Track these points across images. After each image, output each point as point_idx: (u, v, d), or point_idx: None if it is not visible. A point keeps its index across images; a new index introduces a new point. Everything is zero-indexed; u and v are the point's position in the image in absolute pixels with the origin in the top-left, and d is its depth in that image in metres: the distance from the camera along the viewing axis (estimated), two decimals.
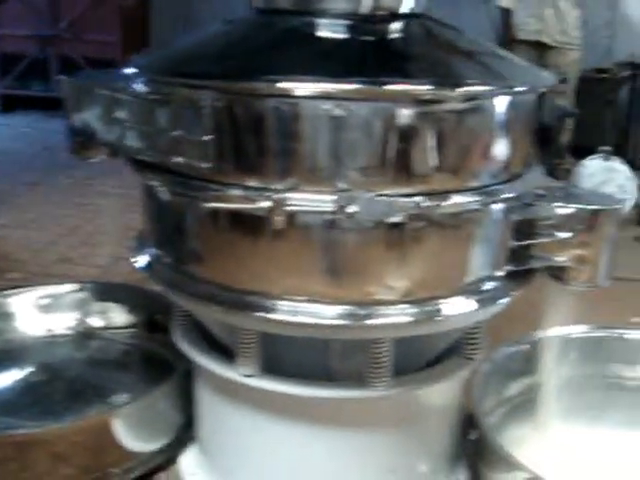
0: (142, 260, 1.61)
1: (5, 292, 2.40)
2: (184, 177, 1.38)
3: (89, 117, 1.60)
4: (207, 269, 1.45)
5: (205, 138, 1.31)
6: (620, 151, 4.70)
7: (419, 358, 1.60)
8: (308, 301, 1.38)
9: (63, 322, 2.40)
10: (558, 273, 1.53)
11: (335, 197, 1.27)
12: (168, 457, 1.84)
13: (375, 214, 1.28)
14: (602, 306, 2.69)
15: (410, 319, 1.40)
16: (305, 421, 1.56)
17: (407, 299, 1.40)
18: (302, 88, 1.25)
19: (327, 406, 1.53)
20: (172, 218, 1.47)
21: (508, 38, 4.55)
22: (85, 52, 6.70)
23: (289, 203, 1.26)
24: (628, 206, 3.94)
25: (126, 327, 2.40)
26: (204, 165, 1.33)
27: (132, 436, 1.76)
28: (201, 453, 1.80)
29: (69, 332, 2.39)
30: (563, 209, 1.48)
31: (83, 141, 1.67)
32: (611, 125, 4.78)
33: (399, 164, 1.31)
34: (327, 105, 1.26)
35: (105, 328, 2.41)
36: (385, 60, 1.37)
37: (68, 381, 2.13)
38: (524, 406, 1.92)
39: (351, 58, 1.35)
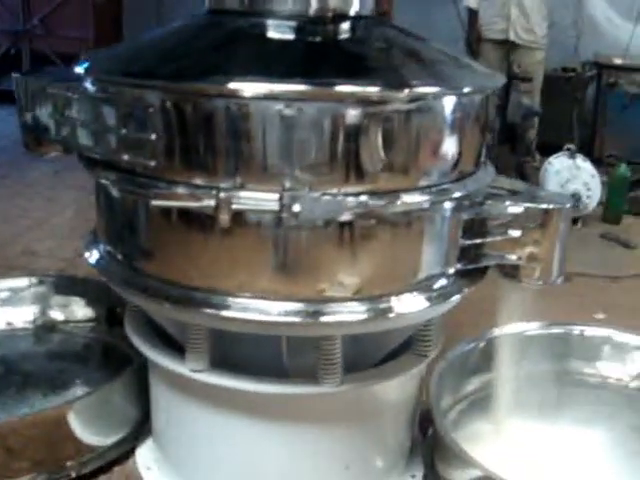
0: (93, 256, 1.59)
1: None
2: (132, 174, 1.37)
3: (41, 114, 1.58)
4: (156, 266, 1.43)
5: (151, 137, 1.30)
6: (587, 149, 4.73)
7: (372, 355, 1.59)
8: (258, 298, 1.38)
9: (23, 316, 2.37)
10: (511, 271, 1.54)
11: (278, 196, 1.26)
12: (124, 451, 1.82)
13: (319, 213, 1.28)
14: (566, 303, 2.71)
15: (361, 316, 1.40)
16: (257, 417, 1.55)
17: (358, 296, 1.40)
18: (249, 88, 1.25)
19: (279, 402, 1.53)
20: (122, 215, 1.46)
21: (475, 37, 4.57)
22: (58, 48, 6.62)
23: (235, 201, 1.25)
24: (593, 203, 3.97)
25: (86, 320, 2.38)
26: (151, 163, 1.32)
27: (88, 429, 1.74)
28: (156, 447, 1.79)
29: (29, 326, 2.37)
30: (514, 207, 1.48)
31: (36, 138, 1.65)
32: (577, 123, 4.80)
33: (346, 163, 1.31)
34: (274, 105, 1.25)
35: (65, 322, 2.39)
36: (333, 61, 1.37)
37: (25, 374, 2.11)
38: (481, 403, 1.92)
39: (299, 59, 1.35)
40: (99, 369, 2.13)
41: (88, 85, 1.42)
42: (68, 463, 1.73)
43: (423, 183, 1.39)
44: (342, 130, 1.28)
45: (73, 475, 1.73)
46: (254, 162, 1.28)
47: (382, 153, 1.32)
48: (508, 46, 4.49)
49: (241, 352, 1.53)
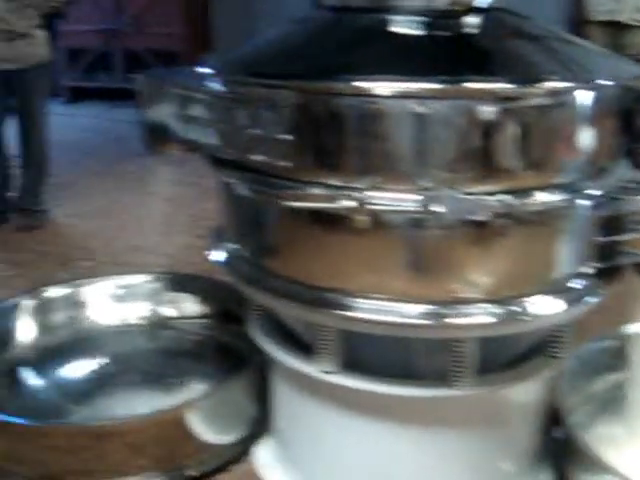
0: (219, 254, 1.59)
1: (79, 282, 2.43)
2: (263, 175, 1.35)
3: (163, 114, 1.58)
4: (287, 266, 1.42)
5: (286, 137, 1.28)
6: None
7: (502, 356, 1.54)
8: (389, 300, 1.35)
9: (136, 312, 2.41)
10: None
11: (419, 196, 1.22)
12: (242, 449, 1.82)
13: (460, 213, 1.23)
14: None
15: (494, 319, 1.35)
16: (385, 419, 1.52)
17: (490, 298, 1.35)
18: (382, 87, 1.22)
19: (408, 404, 1.49)
20: (251, 214, 1.45)
21: (581, 20, 4.40)
22: (149, 45, 6.75)
23: (372, 202, 1.22)
24: None
25: (199, 317, 2.41)
26: (283, 163, 1.29)
27: (207, 428, 1.75)
28: (276, 445, 1.79)
29: (142, 322, 2.41)
30: None
31: (158, 137, 1.65)
32: None
33: (482, 162, 1.26)
34: (410, 104, 1.22)
35: (178, 318, 2.42)
36: (464, 56, 1.32)
37: (141, 371, 2.13)
38: (612, 404, 1.84)
39: (430, 55, 1.31)
40: (214, 367, 2.13)
41: (218, 85, 1.41)
42: (187, 462, 1.74)
43: (559, 180, 1.33)
44: (479, 128, 1.23)
45: (192, 474, 1.74)
46: (390, 162, 1.25)
47: (518, 150, 1.26)
48: (616, 28, 4.31)
49: (369, 353, 1.49)
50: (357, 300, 1.36)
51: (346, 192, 1.24)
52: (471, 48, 1.37)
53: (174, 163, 4.98)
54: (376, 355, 1.49)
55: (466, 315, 1.34)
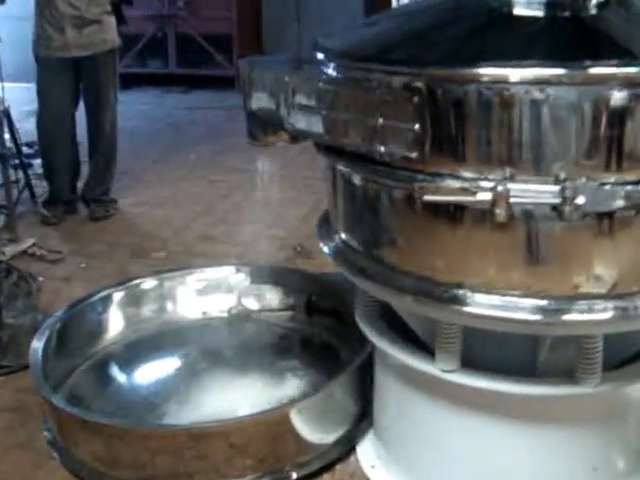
0: (329, 245, 1.58)
1: (165, 275, 2.44)
2: (385, 166, 1.33)
3: (270, 102, 1.56)
4: (407, 259, 1.39)
5: (414, 127, 1.25)
6: None
7: (626, 350, 1.50)
8: (513, 295, 1.31)
9: (221, 304, 2.41)
10: None
11: (556, 187, 1.18)
12: (346, 448, 1.80)
13: (602, 204, 1.19)
14: None
15: (620, 314, 1.31)
16: (503, 417, 1.49)
17: (615, 292, 1.30)
18: (518, 74, 1.18)
19: (530, 403, 1.47)
20: (369, 206, 1.42)
21: None
22: (202, 29, 6.77)
23: (510, 195, 1.19)
24: None
25: (283, 310, 2.40)
26: (412, 154, 1.27)
27: (309, 429, 1.73)
28: (380, 444, 1.77)
29: (228, 315, 2.41)
30: None
31: (263, 126, 1.64)
32: None
33: (616, 150, 1.21)
34: (543, 90, 1.18)
35: (261, 311, 2.41)
36: (592, 40, 1.28)
37: (233, 366, 2.13)
38: None
39: (560, 39, 1.28)
40: (304, 361, 2.13)
41: (334, 72, 1.39)
42: (290, 462, 1.72)
43: None
44: (613, 114, 1.19)
45: (296, 475, 1.72)
46: (527, 152, 1.21)
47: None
48: None
49: (489, 350, 1.47)
50: (481, 296, 1.33)
51: (483, 184, 1.21)
52: (598, 31, 1.33)
53: (230, 150, 5.00)
54: (496, 352, 1.46)
55: (592, 311, 1.30)
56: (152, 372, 2.15)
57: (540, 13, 1.35)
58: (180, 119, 5.90)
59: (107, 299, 2.30)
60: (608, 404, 1.50)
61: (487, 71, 1.19)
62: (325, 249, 1.61)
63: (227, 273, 2.46)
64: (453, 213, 1.30)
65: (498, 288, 1.32)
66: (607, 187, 1.21)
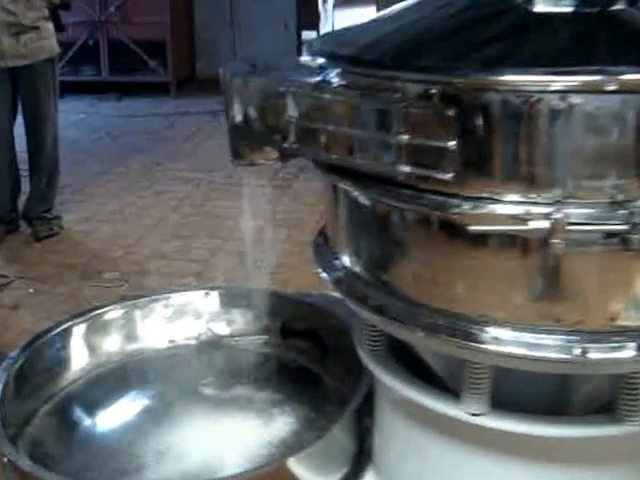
0: (331, 274, 1.36)
1: (126, 303, 2.16)
2: (409, 188, 1.12)
3: (260, 115, 1.33)
4: (429, 293, 1.18)
5: (448, 144, 1.04)
6: None
7: None
8: (546, 331, 1.12)
9: (189, 331, 2.15)
10: None
11: (626, 212, 1.00)
12: None
13: None
14: None
15: None
16: (532, 460, 1.30)
17: None
18: (578, 81, 0.98)
19: (563, 444, 1.28)
20: (386, 232, 1.20)
21: None
22: (133, 35, 6.43)
23: (569, 221, 0.99)
24: None
25: (256, 334, 2.16)
26: (446, 176, 1.05)
27: (311, 474, 1.51)
28: None
29: (196, 342, 2.15)
30: None
31: (249, 143, 1.40)
32: None
33: None
34: (596, 100, 0.99)
35: (233, 336, 2.17)
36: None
37: (209, 398, 1.88)
38: None
39: (614, 40, 1.08)
40: (285, 388, 1.89)
41: (344, 81, 1.17)
42: None
43: None
44: None
45: None
46: (583, 171, 1.01)
47: None
48: None
49: (515, 387, 1.28)
50: (514, 334, 1.13)
51: (532, 210, 1.01)
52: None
53: (172, 159, 4.72)
54: (524, 389, 1.28)
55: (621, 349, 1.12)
56: (122, 414, 1.87)
57: (577, 9, 1.16)
58: (118, 127, 5.57)
59: (66, 332, 2.01)
60: None
61: (543, 78, 0.98)
62: (325, 276, 1.38)
63: (194, 298, 2.20)
64: (482, 240, 1.10)
65: (528, 323, 1.13)
66: None
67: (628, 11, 1.18)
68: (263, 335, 2.13)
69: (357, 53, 1.18)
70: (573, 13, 1.15)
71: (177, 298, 2.18)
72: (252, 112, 1.33)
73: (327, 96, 1.17)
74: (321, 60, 1.24)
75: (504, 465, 1.32)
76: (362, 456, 1.63)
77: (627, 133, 0.99)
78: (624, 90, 0.97)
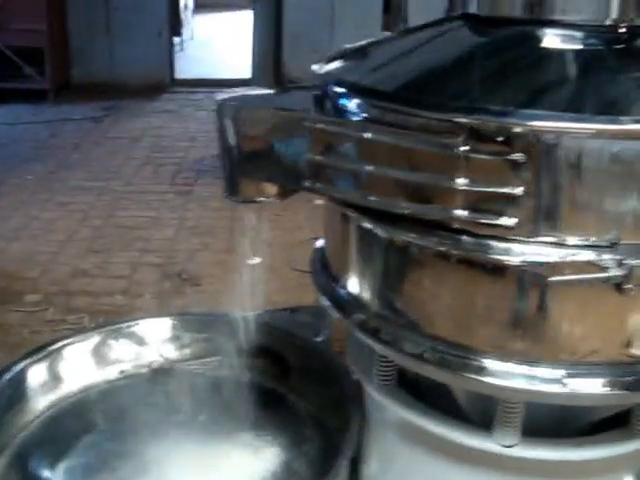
0: (341, 306, 1.19)
1: (69, 337, 1.85)
2: (460, 233, 0.97)
3: (268, 151, 1.13)
4: (445, 329, 1.05)
5: (515, 191, 0.91)
6: None
7: None
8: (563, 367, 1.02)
9: (139, 360, 1.89)
10: None
11: None
12: None
13: None
14: None
15: None
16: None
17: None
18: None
19: (584, 465, 1.19)
20: (425, 278, 1.05)
21: None
22: (11, 42, 5.81)
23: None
24: None
25: (209, 356, 1.94)
26: (509, 223, 0.92)
27: None
28: None
29: (145, 370, 1.89)
30: None
31: (248, 179, 1.20)
32: None
33: None
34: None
35: (185, 360, 1.93)
36: None
37: (182, 442, 1.62)
38: None
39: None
40: (259, 415, 1.69)
41: (383, 118, 1.00)
42: None
43: None
44: None
45: None
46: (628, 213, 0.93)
47: None
48: None
49: (543, 417, 1.17)
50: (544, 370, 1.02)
51: (604, 257, 0.90)
52: None
53: (67, 168, 4.28)
54: (553, 417, 1.18)
55: None
56: (82, 463, 1.59)
57: (589, 50, 1.06)
58: (1, 136, 4.98)
59: (10, 376, 1.69)
60: None
61: (611, 127, 0.87)
62: (332, 308, 1.21)
63: (143, 326, 1.94)
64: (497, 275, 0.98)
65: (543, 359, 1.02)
66: None
67: None
68: (216, 357, 1.93)
69: (404, 92, 1.01)
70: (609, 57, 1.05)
71: (124, 328, 1.91)
72: (260, 147, 1.14)
73: (363, 135, 1.00)
74: (358, 96, 1.06)
75: None
76: None
77: None
78: None
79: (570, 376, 1.01)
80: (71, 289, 2.59)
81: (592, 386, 1.01)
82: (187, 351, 1.93)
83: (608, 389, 1.01)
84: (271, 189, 1.21)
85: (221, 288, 2.40)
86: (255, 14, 5.27)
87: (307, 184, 1.08)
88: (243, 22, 8.37)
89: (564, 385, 1.01)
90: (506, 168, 0.90)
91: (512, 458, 1.15)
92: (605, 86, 0.95)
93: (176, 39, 8.90)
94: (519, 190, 0.90)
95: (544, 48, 1.03)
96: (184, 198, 3.73)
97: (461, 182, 0.93)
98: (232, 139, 1.16)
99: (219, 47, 9.26)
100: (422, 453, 1.29)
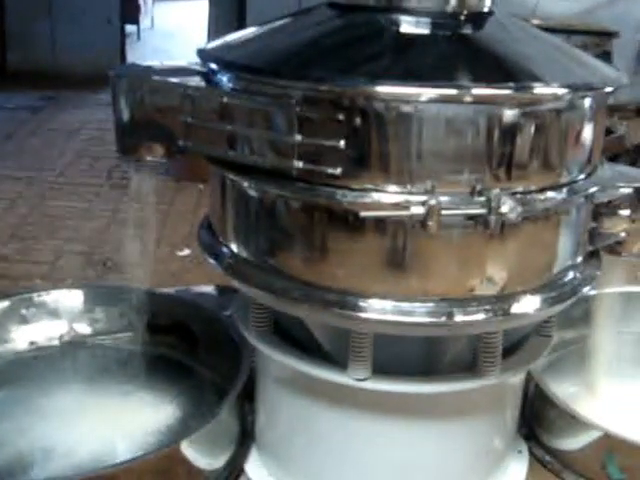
0: (221, 261, 1.54)
1: None
2: (301, 181, 1.33)
3: (150, 115, 1.48)
4: (307, 269, 1.40)
5: (339, 144, 1.26)
6: None
7: (508, 342, 1.63)
8: (402, 300, 1.38)
9: (50, 332, 2.21)
10: (614, 247, 1.63)
11: (482, 198, 1.27)
12: (234, 470, 1.76)
13: (518, 213, 1.29)
14: None
15: (498, 316, 1.42)
16: (413, 416, 1.57)
17: (504, 293, 1.42)
18: (436, 94, 1.26)
19: (431, 400, 1.54)
20: (280, 222, 1.41)
21: None
22: None
23: (442, 207, 1.24)
24: None
25: (121, 331, 2.26)
26: (336, 171, 1.28)
27: (200, 458, 1.67)
28: (271, 461, 1.76)
29: (56, 343, 2.21)
30: (625, 189, 1.57)
31: (136, 141, 1.54)
32: None
33: (516, 163, 1.34)
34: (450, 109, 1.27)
35: (97, 335, 2.25)
36: (501, 60, 1.38)
37: (89, 401, 1.95)
38: (566, 364, 2.03)
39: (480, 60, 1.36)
40: (163, 383, 2.02)
41: (242, 86, 1.37)
42: None
43: (565, 180, 1.43)
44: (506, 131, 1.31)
45: None
46: (446, 167, 1.29)
47: (537, 152, 1.35)
48: None
49: (390, 354, 1.52)
50: (381, 302, 1.38)
51: (409, 198, 1.26)
52: (501, 51, 1.42)
53: (2, 158, 4.59)
54: (401, 356, 1.53)
55: (476, 312, 1.40)
56: None
57: (428, 33, 1.43)
58: None
59: None
60: (502, 392, 1.64)
61: (416, 91, 1.24)
62: (214, 263, 1.56)
63: (55, 297, 2.26)
64: (363, 225, 1.33)
65: (397, 294, 1.38)
66: (521, 197, 1.33)
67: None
68: (129, 332, 2.25)
69: (254, 63, 1.38)
70: (432, 35, 1.42)
71: (36, 298, 2.23)
72: (143, 111, 1.49)
73: (225, 100, 1.36)
74: (221, 67, 1.42)
75: (386, 424, 1.58)
76: (245, 438, 1.82)
77: (480, 137, 1.28)
78: (476, 102, 1.26)
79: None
80: None
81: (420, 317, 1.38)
82: (98, 325, 2.27)
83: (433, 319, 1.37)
84: (158, 149, 1.56)
85: (142, 275, 2.68)
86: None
87: (181, 143, 1.44)
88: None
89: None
90: (330, 125, 1.26)
91: (366, 391, 1.50)
92: (417, 59, 1.31)
93: (131, 27, 9.22)
94: (341, 144, 1.26)
95: (382, 29, 1.40)
96: (119, 192, 4.04)
97: (297, 138, 1.29)
98: (122, 105, 1.52)
99: (181, 38, 9.55)
100: (295, 395, 1.64)
